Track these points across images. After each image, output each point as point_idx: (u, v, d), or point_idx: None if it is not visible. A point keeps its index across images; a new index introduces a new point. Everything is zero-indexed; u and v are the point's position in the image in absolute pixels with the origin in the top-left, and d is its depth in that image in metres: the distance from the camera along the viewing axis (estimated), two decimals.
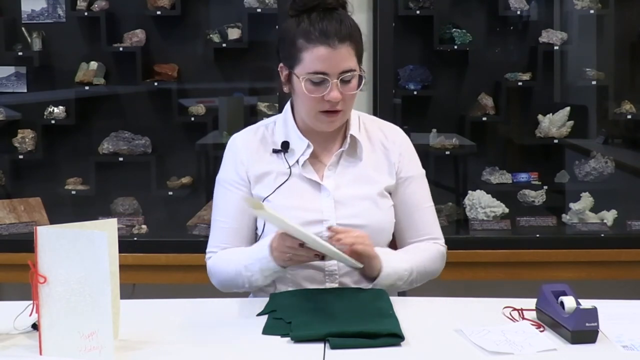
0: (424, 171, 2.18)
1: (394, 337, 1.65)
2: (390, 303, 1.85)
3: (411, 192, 2.12)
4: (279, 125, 2.12)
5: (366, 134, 2.12)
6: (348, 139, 2.07)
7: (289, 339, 1.67)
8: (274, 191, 2.04)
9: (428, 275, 2.10)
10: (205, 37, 3.64)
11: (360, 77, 2.00)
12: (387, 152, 2.12)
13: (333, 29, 1.94)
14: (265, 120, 2.17)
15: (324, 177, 2.07)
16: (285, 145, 2.07)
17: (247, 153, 2.09)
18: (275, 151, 2.08)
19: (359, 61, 2.01)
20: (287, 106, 2.13)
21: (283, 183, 2.04)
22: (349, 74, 1.97)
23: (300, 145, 2.06)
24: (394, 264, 1.99)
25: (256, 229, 2.11)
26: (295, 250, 1.87)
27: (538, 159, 3.77)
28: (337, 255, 1.89)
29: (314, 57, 1.95)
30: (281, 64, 2.05)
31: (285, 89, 2.07)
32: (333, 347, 1.63)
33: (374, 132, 2.14)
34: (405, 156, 2.13)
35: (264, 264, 1.94)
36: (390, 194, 2.11)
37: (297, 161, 2.06)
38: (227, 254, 2.07)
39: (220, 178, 2.13)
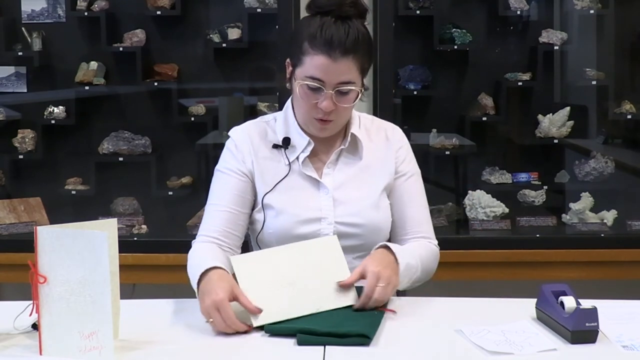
0: (419, 171, 2.17)
1: (362, 337, 1.65)
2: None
3: (405, 189, 2.11)
4: (280, 121, 2.10)
5: (367, 133, 2.12)
6: (349, 137, 2.07)
7: (291, 340, 1.67)
8: (272, 188, 2.03)
9: (427, 275, 2.08)
10: (205, 37, 3.64)
11: (360, 90, 1.97)
12: (387, 150, 2.11)
13: (337, 40, 1.91)
14: (265, 116, 2.17)
15: (322, 175, 2.06)
16: (287, 141, 2.06)
17: (248, 145, 2.07)
18: (275, 146, 2.07)
19: (363, 74, 1.98)
20: (288, 103, 2.12)
21: (282, 179, 2.04)
22: (346, 86, 1.94)
23: (301, 142, 2.05)
24: (407, 260, 1.94)
25: (250, 217, 2.08)
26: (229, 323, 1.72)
27: (538, 159, 3.77)
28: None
29: (313, 64, 1.93)
30: (288, 60, 2.04)
31: (288, 86, 2.06)
32: (300, 343, 1.64)
33: (374, 131, 2.14)
34: (402, 153, 2.13)
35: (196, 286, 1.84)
36: (387, 192, 2.10)
37: (297, 158, 2.05)
38: (200, 250, 1.99)
39: (219, 167, 2.11)
